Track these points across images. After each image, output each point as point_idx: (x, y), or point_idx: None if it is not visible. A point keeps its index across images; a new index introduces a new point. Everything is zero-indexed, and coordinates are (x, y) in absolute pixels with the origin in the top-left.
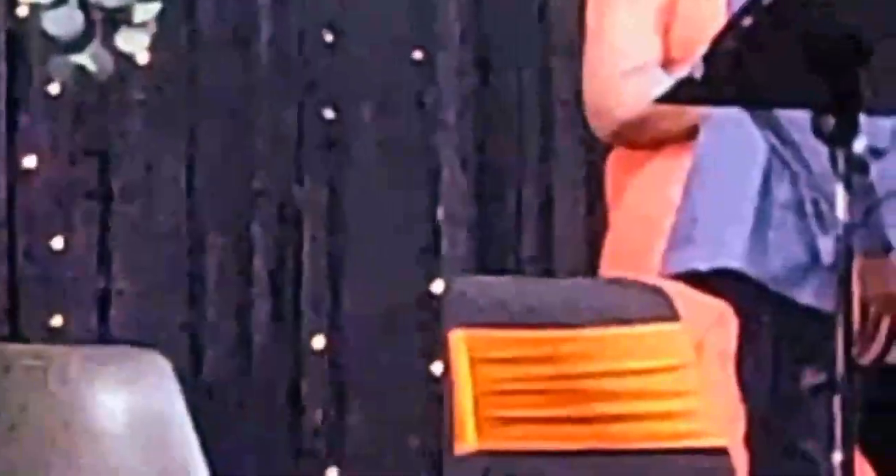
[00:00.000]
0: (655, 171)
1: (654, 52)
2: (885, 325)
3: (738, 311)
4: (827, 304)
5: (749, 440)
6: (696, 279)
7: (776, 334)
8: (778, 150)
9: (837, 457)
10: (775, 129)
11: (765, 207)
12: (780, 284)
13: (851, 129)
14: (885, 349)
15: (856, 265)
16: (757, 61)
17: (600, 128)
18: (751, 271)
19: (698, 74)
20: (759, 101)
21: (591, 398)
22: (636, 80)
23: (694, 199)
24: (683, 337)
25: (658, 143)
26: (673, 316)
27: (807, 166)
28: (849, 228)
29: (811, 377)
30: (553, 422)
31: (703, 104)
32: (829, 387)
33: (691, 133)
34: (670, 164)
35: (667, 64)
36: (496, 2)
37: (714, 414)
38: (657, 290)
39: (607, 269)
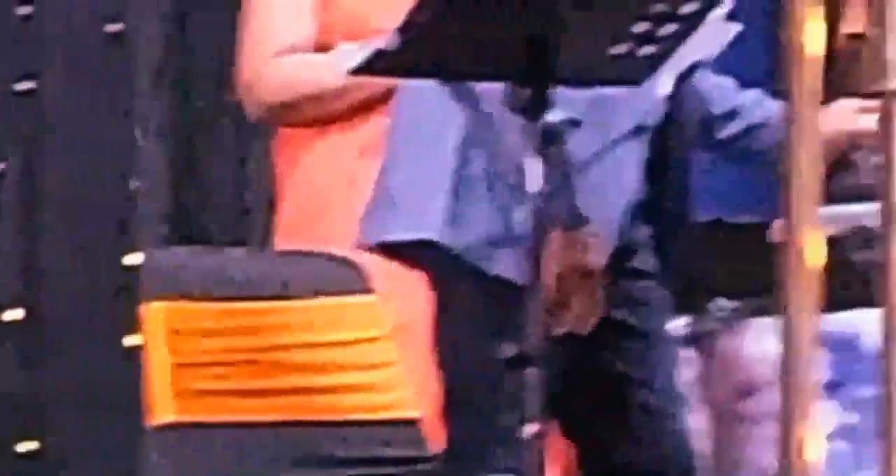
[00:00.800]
0: (326, 144)
1: (308, 31)
2: (579, 296)
3: (435, 282)
4: (521, 276)
5: (446, 412)
6: (392, 250)
7: (472, 306)
8: (473, 121)
9: (530, 428)
10: (470, 100)
11: (462, 179)
12: (477, 256)
13: (544, 101)
14: (581, 320)
15: (550, 237)
16: (452, 34)
17: (249, 109)
18: (447, 242)
19: (393, 46)
20: (454, 74)
21: (287, 370)
22: (287, 62)
23: (390, 171)
24: (377, 309)
25: (321, 122)
26: (366, 288)
27: (502, 138)
28: (540, 201)
29: (506, 349)
30: (251, 394)
31: (398, 76)
32: (523, 359)
33: (367, 107)
34: (341, 137)
35: (327, 45)
36: None
37: (408, 385)
38: (349, 263)
39: (280, 240)
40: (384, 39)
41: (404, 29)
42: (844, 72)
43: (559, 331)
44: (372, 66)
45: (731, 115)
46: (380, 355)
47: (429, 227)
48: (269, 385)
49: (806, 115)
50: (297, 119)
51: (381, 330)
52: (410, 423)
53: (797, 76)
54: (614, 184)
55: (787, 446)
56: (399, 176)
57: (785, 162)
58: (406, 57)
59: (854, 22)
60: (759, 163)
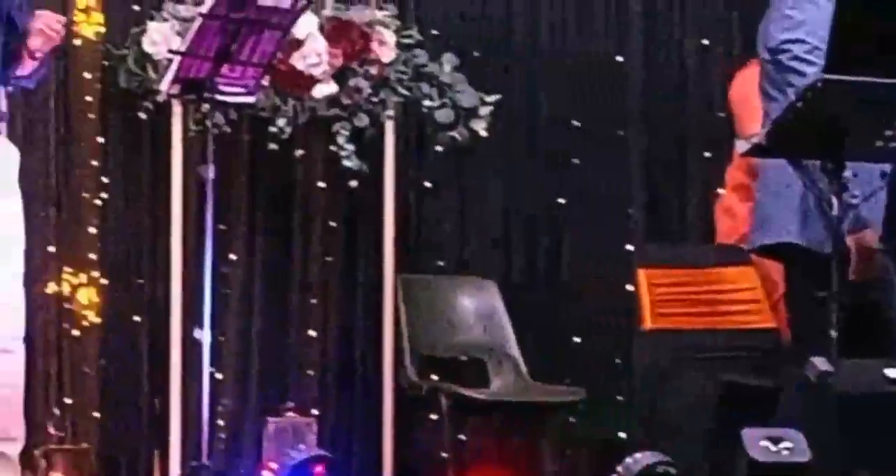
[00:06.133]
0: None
1: None
2: (866, 261)
3: (786, 265)
4: (836, 256)
5: (789, 325)
6: (761, 249)
7: (803, 275)
8: (804, 177)
9: (833, 333)
10: (803, 167)
11: (805, 207)
12: (817, 246)
13: (840, 168)
14: (865, 273)
15: (850, 235)
16: (793, 135)
17: None
18: (801, 242)
19: (764, 142)
20: (795, 155)
21: (711, 304)
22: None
23: (764, 202)
24: (753, 272)
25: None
26: (749, 261)
27: (820, 186)
28: (838, 220)
29: (821, 294)
30: (691, 315)
31: (767, 157)
32: (829, 298)
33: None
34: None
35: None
36: None
37: (769, 312)
38: (739, 249)
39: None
40: (758, 137)
41: (770, 132)
42: None
43: (857, 279)
44: (754, 151)
45: None
46: (755, 296)
47: (791, 234)
48: (700, 310)
49: None
50: None
51: (755, 283)
52: (772, 330)
53: None
54: (877, 208)
55: None
56: (768, 206)
57: None
58: (771, 147)
59: None
60: None
